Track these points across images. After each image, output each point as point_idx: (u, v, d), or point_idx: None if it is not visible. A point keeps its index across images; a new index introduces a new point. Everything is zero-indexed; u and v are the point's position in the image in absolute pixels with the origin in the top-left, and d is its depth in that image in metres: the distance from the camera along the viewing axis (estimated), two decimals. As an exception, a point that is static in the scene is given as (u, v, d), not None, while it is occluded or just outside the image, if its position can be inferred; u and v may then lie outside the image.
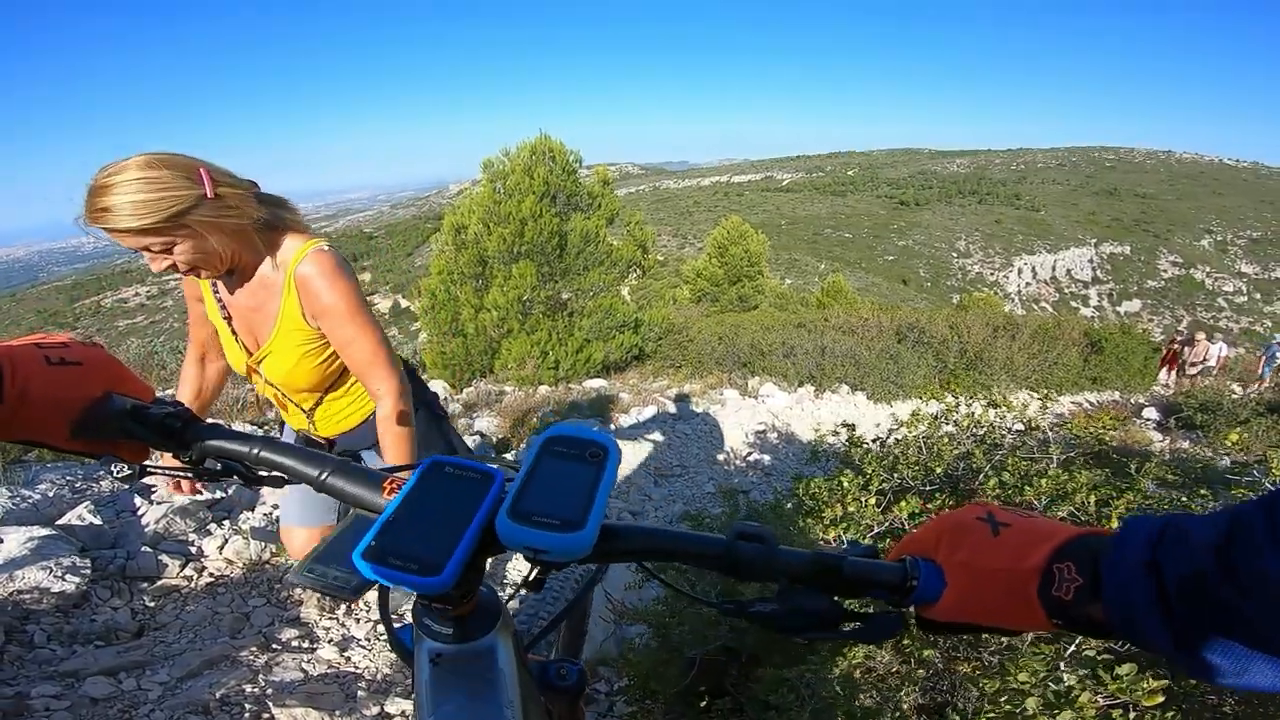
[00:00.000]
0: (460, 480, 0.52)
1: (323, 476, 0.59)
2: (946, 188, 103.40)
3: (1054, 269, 78.81)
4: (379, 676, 2.00)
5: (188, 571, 2.37)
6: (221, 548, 2.52)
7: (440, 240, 9.75)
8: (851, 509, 1.76)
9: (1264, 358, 11.07)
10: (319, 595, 2.20)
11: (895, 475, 2.21)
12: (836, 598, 0.52)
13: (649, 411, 5.82)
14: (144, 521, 2.58)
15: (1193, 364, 10.37)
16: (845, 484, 1.90)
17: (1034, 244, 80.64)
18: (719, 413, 5.91)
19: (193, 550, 2.49)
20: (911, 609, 0.52)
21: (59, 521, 2.49)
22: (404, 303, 50.81)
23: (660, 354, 10.79)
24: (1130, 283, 76.13)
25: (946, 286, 67.77)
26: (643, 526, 0.55)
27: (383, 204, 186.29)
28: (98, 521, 2.53)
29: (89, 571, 2.18)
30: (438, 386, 7.97)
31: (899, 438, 2.63)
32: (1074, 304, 70.94)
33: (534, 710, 0.58)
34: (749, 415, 5.81)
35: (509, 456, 4.56)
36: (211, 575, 2.38)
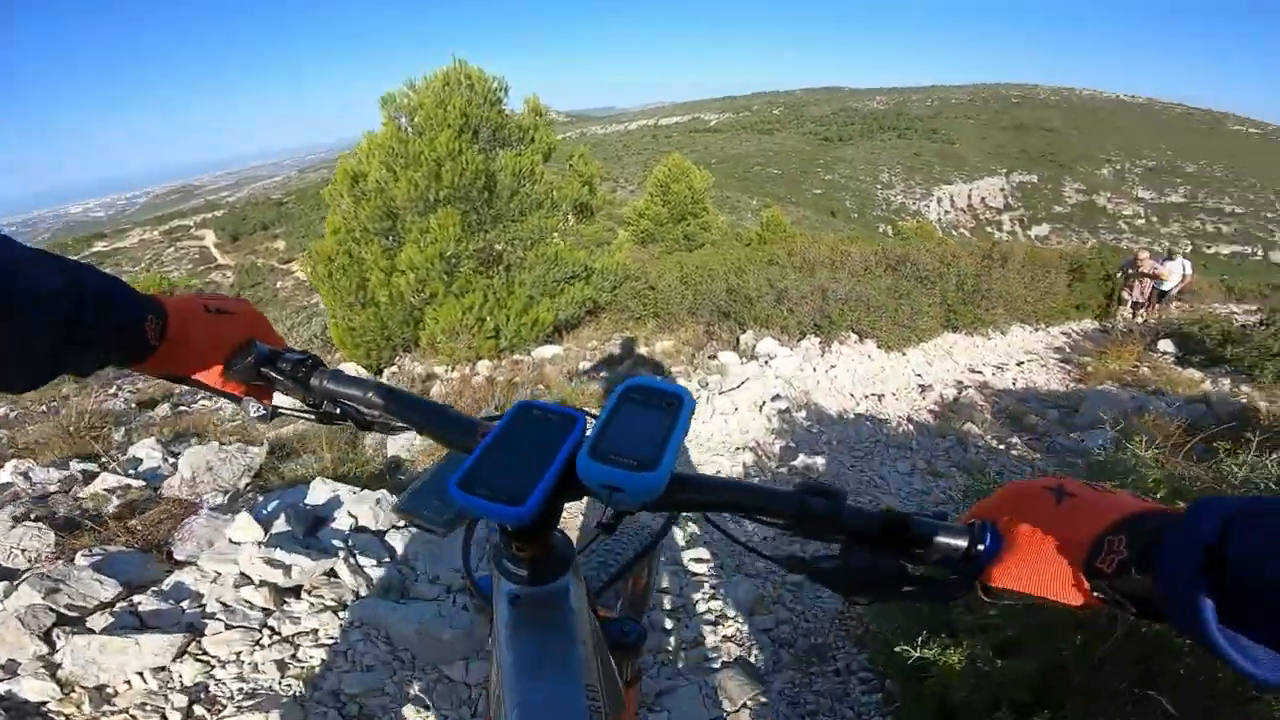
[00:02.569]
0: (547, 422, 0.55)
1: (423, 423, 0.64)
2: (868, 124, 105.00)
3: (970, 197, 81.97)
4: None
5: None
6: None
7: (333, 192, 7.92)
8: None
9: None
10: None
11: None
12: (902, 562, 0.53)
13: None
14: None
15: (1140, 276, 9.04)
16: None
17: (951, 175, 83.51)
18: (722, 386, 4.66)
19: None
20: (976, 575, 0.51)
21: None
22: (315, 266, 46.37)
23: (617, 304, 9.49)
24: (1039, 209, 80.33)
25: (873, 217, 69.41)
26: (714, 478, 0.57)
27: (289, 169, 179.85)
28: None
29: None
30: (350, 368, 6.41)
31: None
32: (989, 229, 74.14)
33: (600, 652, 0.60)
34: (760, 387, 4.59)
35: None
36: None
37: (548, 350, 7.52)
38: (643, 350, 6.85)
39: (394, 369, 7.64)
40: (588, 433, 0.53)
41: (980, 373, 6.00)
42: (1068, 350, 7.37)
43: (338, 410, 0.68)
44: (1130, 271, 9.14)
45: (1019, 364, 6.48)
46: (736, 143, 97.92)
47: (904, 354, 5.94)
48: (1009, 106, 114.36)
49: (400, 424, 0.65)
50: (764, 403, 4.39)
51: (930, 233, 31.06)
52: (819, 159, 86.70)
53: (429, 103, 7.43)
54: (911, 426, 4.17)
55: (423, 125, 7.51)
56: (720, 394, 4.44)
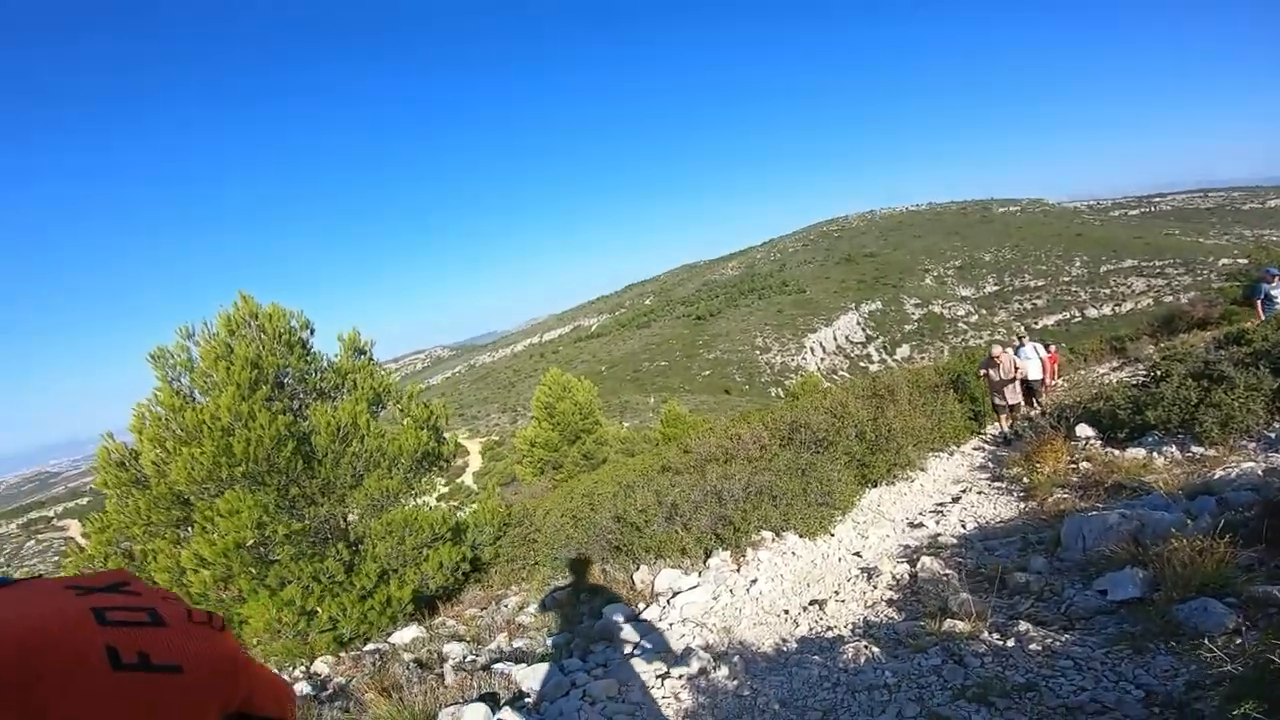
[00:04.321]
0: None
1: None
2: (729, 292, 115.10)
3: (835, 338, 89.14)
4: None
5: None
6: None
7: (104, 480, 6.36)
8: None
9: (1259, 301, 9.44)
10: None
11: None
12: None
13: (474, 712, 2.94)
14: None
15: (1005, 381, 7.87)
16: None
17: (813, 321, 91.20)
18: (619, 670, 3.22)
19: None
20: None
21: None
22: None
23: (505, 556, 8.04)
24: (893, 331, 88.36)
25: (762, 383, 72.56)
26: None
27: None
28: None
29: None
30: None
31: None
32: (862, 364, 79.60)
33: None
34: (671, 648, 3.19)
35: None
36: None
37: (405, 635, 5.79)
38: (528, 612, 5.28)
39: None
40: None
41: (922, 525, 4.99)
42: (993, 467, 6.66)
43: None
44: (994, 374, 7.94)
45: (955, 500, 5.58)
46: (619, 342, 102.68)
47: (832, 534, 4.86)
48: (833, 242, 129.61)
49: None
50: (665, 674, 2.98)
51: (816, 383, 32.39)
52: (698, 340, 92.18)
53: (208, 355, 6.21)
54: (876, 648, 2.90)
55: (202, 384, 6.23)
56: (609, 700, 2.97)
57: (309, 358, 6.79)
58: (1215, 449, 4.72)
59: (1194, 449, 4.89)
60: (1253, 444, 4.68)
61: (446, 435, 7.56)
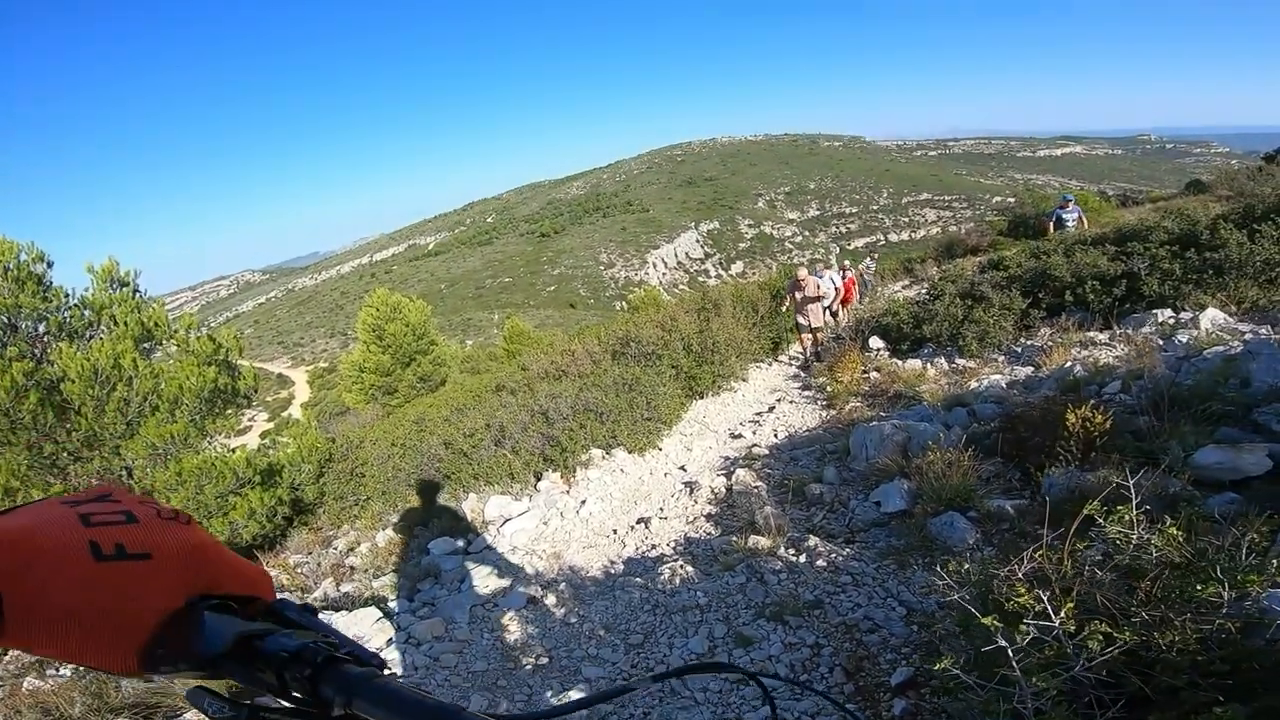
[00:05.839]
0: None
1: None
2: (575, 210, 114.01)
3: (675, 254, 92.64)
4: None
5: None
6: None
7: None
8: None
9: (1051, 222, 10.49)
10: None
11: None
12: None
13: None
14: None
15: (809, 300, 7.84)
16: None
17: (655, 239, 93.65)
18: (446, 608, 3.13)
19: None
20: None
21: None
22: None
23: (332, 494, 7.50)
24: (729, 249, 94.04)
25: (607, 298, 73.78)
26: None
27: None
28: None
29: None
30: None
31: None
32: (700, 278, 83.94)
33: None
34: (500, 580, 3.16)
35: None
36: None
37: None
38: (355, 554, 4.97)
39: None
40: None
41: (741, 436, 5.42)
42: (804, 376, 7.37)
43: None
44: (799, 295, 7.99)
45: (770, 409, 6.12)
46: (460, 260, 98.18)
47: (660, 449, 5.09)
48: (677, 165, 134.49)
49: None
50: (494, 607, 2.98)
51: (655, 296, 33.38)
52: (543, 256, 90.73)
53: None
54: (692, 568, 3.12)
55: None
56: (436, 640, 2.89)
57: (47, 294, 5.59)
58: (974, 361, 5.61)
59: (958, 360, 5.77)
60: (1002, 357, 5.62)
61: (244, 366, 6.65)
